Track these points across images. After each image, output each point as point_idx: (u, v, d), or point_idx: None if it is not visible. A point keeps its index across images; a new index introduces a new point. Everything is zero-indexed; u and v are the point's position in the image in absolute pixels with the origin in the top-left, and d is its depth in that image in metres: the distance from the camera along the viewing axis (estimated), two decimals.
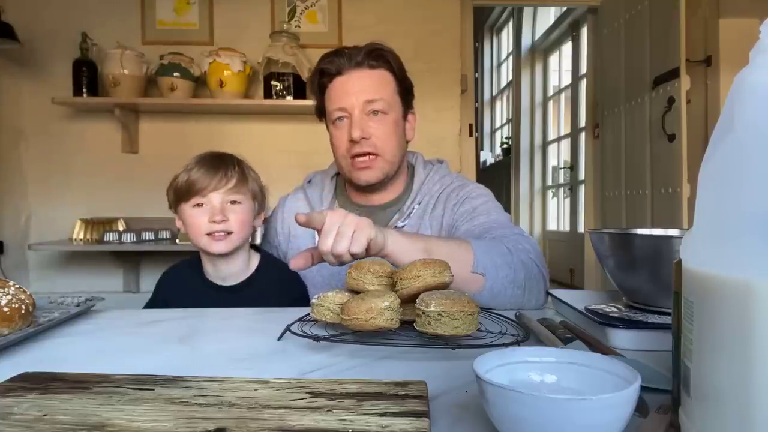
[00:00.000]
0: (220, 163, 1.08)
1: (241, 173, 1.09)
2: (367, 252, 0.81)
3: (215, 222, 1.05)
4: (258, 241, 1.49)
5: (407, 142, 1.19)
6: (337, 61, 1.11)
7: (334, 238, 0.78)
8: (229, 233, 1.06)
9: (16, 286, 0.76)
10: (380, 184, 1.14)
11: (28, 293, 0.76)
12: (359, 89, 1.09)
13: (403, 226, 1.13)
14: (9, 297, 0.73)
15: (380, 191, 1.18)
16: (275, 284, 1.11)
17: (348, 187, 1.22)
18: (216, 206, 1.06)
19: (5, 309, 0.71)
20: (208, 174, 1.06)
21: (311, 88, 1.18)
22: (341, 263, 0.80)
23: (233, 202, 1.07)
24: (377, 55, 1.11)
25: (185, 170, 1.09)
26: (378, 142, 1.10)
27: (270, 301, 1.00)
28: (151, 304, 1.15)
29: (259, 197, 1.14)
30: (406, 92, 1.17)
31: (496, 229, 1.01)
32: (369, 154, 1.09)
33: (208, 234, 1.06)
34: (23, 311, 0.73)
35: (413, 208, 1.14)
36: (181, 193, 1.09)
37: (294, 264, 0.83)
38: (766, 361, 0.30)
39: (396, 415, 0.43)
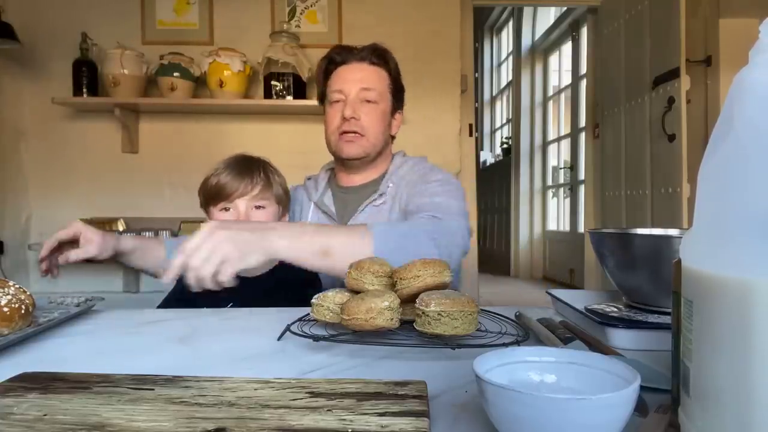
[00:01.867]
0: (247, 169, 1.14)
1: (266, 179, 1.15)
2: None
3: None
4: None
5: (392, 136, 1.35)
6: (344, 53, 1.28)
7: (200, 261, 0.79)
8: None
9: (16, 286, 0.76)
10: (362, 163, 1.28)
11: (27, 293, 0.76)
12: (357, 78, 1.25)
13: (380, 204, 1.25)
14: (9, 297, 0.73)
15: (362, 171, 1.31)
16: (293, 283, 1.12)
17: (336, 170, 1.36)
18: (242, 212, 1.12)
19: (5, 309, 0.71)
20: (235, 180, 1.11)
21: (318, 73, 1.34)
22: (200, 286, 0.81)
23: (258, 207, 1.14)
24: (379, 55, 1.28)
25: (214, 174, 1.14)
26: (365, 124, 1.24)
27: (287, 297, 1.01)
28: (175, 294, 1.17)
29: (284, 200, 1.21)
30: (397, 92, 1.32)
31: (429, 211, 1.10)
32: (355, 132, 1.23)
33: None
34: (23, 311, 0.73)
35: (388, 186, 1.26)
36: (209, 197, 1.14)
37: (166, 280, 0.83)
38: (765, 360, 0.30)
39: (396, 414, 0.43)
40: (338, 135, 1.25)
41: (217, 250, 0.81)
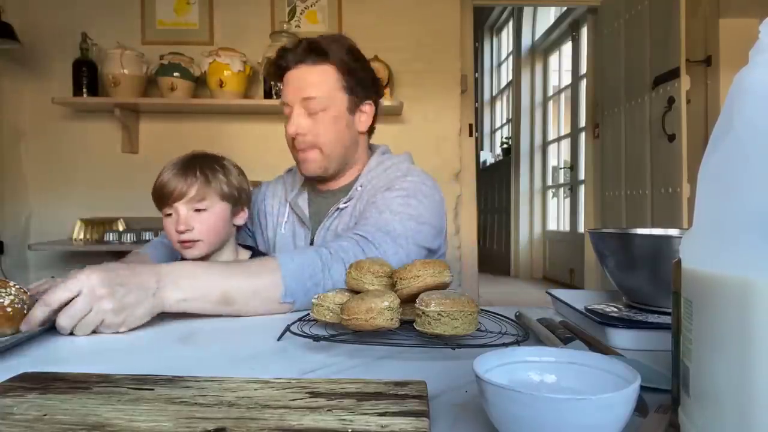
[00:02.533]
0: (183, 171, 1.10)
1: (204, 179, 1.10)
2: None
3: (180, 231, 1.08)
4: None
5: (362, 133, 1.21)
6: (285, 56, 1.15)
7: (77, 324, 0.73)
8: (197, 241, 1.09)
9: (17, 286, 0.76)
10: (326, 176, 1.19)
11: (28, 294, 0.76)
12: (297, 86, 1.13)
13: (344, 207, 1.16)
14: (11, 297, 0.73)
15: (334, 179, 1.22)
16: None
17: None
18: (181, 216, 1.09)
19: (8, 309, 0.71)
20: (170, 183, 1.09)
21: (274, 81, 1.24)
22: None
23: (198, 210, 1.10)
24: (317, 50, 1.12)
25: (158, 176, 1.11)
26: (313, 138, 1.13)
27: None
28: None
29: (235, 196, 1.14)
30: (356, 85, 1.15)
31: (369, 229, 1.01)
32: (306, 149, 1.14)
33: (178, 242, 1.10)
34: (25, 312, 0.73)
35: (356, 189, 1.17)
36: (156, 201, 1.13)
37: (23, 329, 0.73)
38: (765, 360, 0.30)
39: (396, 414, 0.43)
40: (295, 153, 1.17)
41: (97, 313, 0.73)
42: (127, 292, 0.76)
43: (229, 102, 2.80)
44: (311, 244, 1.19)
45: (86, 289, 0.73)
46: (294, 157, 1.19)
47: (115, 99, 2.76)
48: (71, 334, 0.75)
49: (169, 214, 1.11)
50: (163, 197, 1.09)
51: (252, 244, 1.32)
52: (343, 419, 0.42)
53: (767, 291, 0.30)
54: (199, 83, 2.85)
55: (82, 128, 2.97)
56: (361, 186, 1.17)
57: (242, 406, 0.45)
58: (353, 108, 1.17)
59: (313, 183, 1.26)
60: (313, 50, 1.12)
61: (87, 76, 2.77)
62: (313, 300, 0.73)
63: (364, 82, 1.17)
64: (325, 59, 1.12)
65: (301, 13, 3.02)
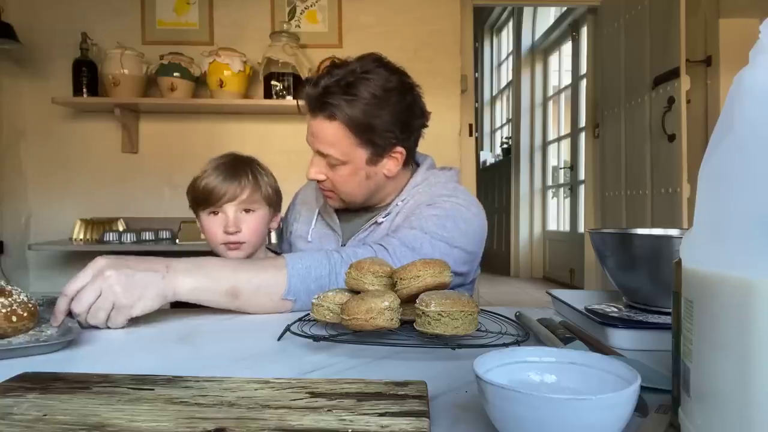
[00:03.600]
0: (235, 172, 1.10)
1: (254, 182, 1.12)
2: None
3: (229, 233, 1.09)
4: (274, 240, 1.52)
5: (389, 177, 1.11)
6: (306, 95, 1.05)
7: (90, 310, 0.75)
8: (243, 242, 1.11)
9: (17, 289, 0.76)
10: (351, 207, 1.15)
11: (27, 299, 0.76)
12: (314, 136, 1.05)
13: (381, 222, 1.11)
14: (26, 295, 0.74)
15: (367, 202, 1.16)
16: None
17: None
18: (230, 218, 1.09)
19: (30, 305, 0.73)
20: (222, 184, 1.09)
21: None
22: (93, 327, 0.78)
23: (247, 211, 1.11)
24: (324, 106, 1.01)
25: (202, 176, 1.11)
26: (331, 186, 1.09)
27: None
28: None
29: (274, 201, 1.17)
30: (378, 136, 1.03)
31: (395, 242, 0.98)
32: (327, 191, 1.11)
33: (223, 243, 1.11)
34: (33, 309, 0.74)
35: (397, 204, 1.12)
36: (197, 200, 1.12)
37: (54, 324, 0.76)
38: (765, 361, 0.30)
39: (396, 415, 0.43)
40: (318, 185, 1.13)
41: (107, 295, 0.75)
42: (136, 273, 0.78)
43: (229, 102, 2.80)
44: None
45: (96, 273, 0.76)
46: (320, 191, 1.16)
47: (115, 99, 2.76)
48: (93, 327, 0.77)
49: (214, 213, 1.11)
50: (212, 198, 1.09)
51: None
52: (343, 419, 0.42)
53: (767, 291, 0.30)
54: (199, 83, 2.85)
55: (82, 128, 2.97)
56: (402, 201, 1.12)
57: (242, 406, 0.45)
58: (376, 159, 1.06)
59: None
60: (323, 104, 1.01)
61: (87, 76, 2.77)
62: (313, 300, 0.73)
63: (390, 130, 1.03)
64: (331, 117, 1.01)
65: (301, 13, 3.02)
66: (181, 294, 0.82)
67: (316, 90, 1.02)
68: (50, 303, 0.81)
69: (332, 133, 1.02)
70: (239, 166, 1.12)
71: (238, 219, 1.10)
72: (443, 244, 1.00)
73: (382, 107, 1.02)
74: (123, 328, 0.79)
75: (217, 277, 0.84)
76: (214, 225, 1.11)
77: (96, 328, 0.78)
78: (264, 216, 1.14)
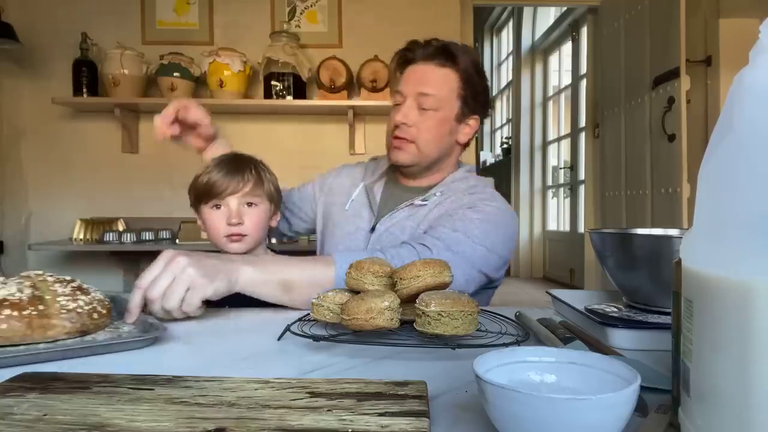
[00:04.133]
0: (238, 166, 1.13)
1: (257, 176, 1.14)
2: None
3: (232, 224, 1.10)
4: (274, 240, 1.54)
5: (459, 144, 1.23)
6: (412, 50, 1.18)
7: (165, 293, 0.77)
8: (245, 235, 1.11)
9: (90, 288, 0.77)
10: (413, 170, 1.20)
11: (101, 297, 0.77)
12: (417, 81, 1.15)
13: (419, 206, 1.16)
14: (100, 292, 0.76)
15: (416, 178, 1.23)
16: None
17: (394, 169, 1.29)
18: (233, 209, 1.11)
19: (105, 301, 0.75)
20: (226, 177, 1.11)
21: (390, 68, 1.26)
22: (171, 316, 0.79)
23: (249, 204, 1.13)
24: (448, 54, 1.16)
25: (205, 172, 1.13)
26: (416, 132, 1.15)
27: None
28: None
29: (275, 198, 1.19)
30: (471, 96, 1.18)
31: (435, 242, 1.01)
32: (405, 139, 1.16)
33: (225, 236, 1.12)
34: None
35: (435, 195, 1.17)
36: (200, 195, 1.14)
37: (129, 321, 0.77)
38: (765, 361, 0.30)
39: (396, 415, 0.43)
40: (391, 139, 1.19)
41: (181, 278, 0.78)
42: (206, 259, 0.82)
43: (229, 102, 2.80)
44: (372, 230, 1.19)
45: (168, 261, 0.79)
46: (387, 144, 1.21)
47: (115, 99, 2.76)
48: (166, 320, 0.78)
49: (217, 206, 1.12)
50: (214, 191, 1.11)
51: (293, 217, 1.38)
52: (343, 419, 0.42)
53: (767, 291, 0.30)
54: (199, 83, 2.86)
55: (82, 128, 2.97)
56: (441, 192, 1.17)
57: (242, 406, 0.45)
58: (461, 118, 1.19)
59: (395, 175, 1.28)
60: (444, 52, 1.15)
61: (87, 76, 2.77)
62: (313, 300, 0.73)
63: (478, 97, 1.20)
64: (452, 64, 1.15)
65: (301, 13, 3.02)
66: (241, 282, 0.85)
67: (432, 44, 1.17)
68: (111, 300, 0.82)
69: (442, 76, 1.15)
70: (242, 162, 1.14)
71: (240, 211, 1.11)
72: (483, 248, 1.04)
73: (480, 75, 1.20)
74: (198, 316, 0.81)
75: (272, 270, 0.88)
76: (216, 218, 1.12)
77: (173, 320, 0.79)
78: (266, 211, 1.16)
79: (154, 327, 0.72)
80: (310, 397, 0.47)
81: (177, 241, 2.59)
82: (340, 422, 0.42)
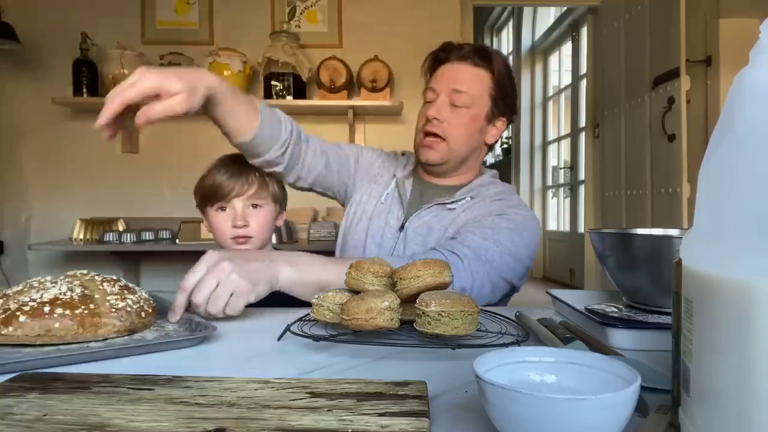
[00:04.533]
0: (243, 168, 1.14)
1: (262, 178, 1.14)
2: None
3: (237, 227, 1.10)
4: (274, 239, 1.53)
5: (487, 145, 1.25)
6: (448, 50, 1.21)
7: (209, 298, 0.78)
8: (251, 237, 1.12)
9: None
10: (441, 168, 1.21)
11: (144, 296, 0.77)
12: (452, 78, 1.17)
13: (450, 209, 1.16)
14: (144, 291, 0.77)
15: (443, 176, 1.24)
16: None
17: (418, 165, 1.29)
18: (238, 211, 1.11)
19: (151, 300, 0.76)
20: (231, 180, 1.12)
21: (423, 68, 1.28)
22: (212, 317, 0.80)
23: (255, 206, 1.13)
24: (483, 55, 1.19)
25: (210, 174, 1.14)
26: (447, 128, 1.16)
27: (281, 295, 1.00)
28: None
29: (280, 199, 1.19)
30: (501, 98, 1.21)
31: (465, 250, 1.01)
32: (437, 136, 1.16)
33: (231, 239, 1.12)
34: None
35: (465, 199, 1.17)
36: (205, 197, 1.14)
37: (172, 320, 0.78)
38: (766, 361, 0.30)
39: (396, 415, 0.43)
40: (422, 135, 1.19)
41: (226, 284, 0.79)
42: (248, 262, 0.82)
43: None
44: (402, 227, 1.18)
45: (212, 265, 0.79)
46: (417, 143, 1.21)
47: None
48: (209, 318, 0.79)
49: (222, 208, 1.13)
50: (220, 193, 1.11)
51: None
52: (343, 419, 0.42)
53: (767, 291, 0.30)
54: None
55: (82, 128, 2.97)
56: (471, 197, 1.18)
57: (242, 406, 0.45)
58: (491, 118, 1.21)
59: (422, 174, 1.27)
60: (479, 53, 1.18)
61: (87, 76, 2.77)
62: (314, 300, 0.73)
63: (508, 99, 1.23)
64: (487, 65, 1.18)
65: (301, 13, 3.02)
66: (280, 282, 0.86)
67: (468, 45, 1.21)
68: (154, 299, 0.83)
69: (475, 75, 1.18)
70: (247, 164, 1.14)
71: (246, 213, 1.12)
72: (510, 258, 1.06)
73: (510, 79, 1.23)
74: (239, 316, 0.82)
75: (311, 271, 0.89)
76: (222, 220, 1.12)
77: (214, 318, 0.80)
78: (271, 212, 1.16)
79: (202, 326, 0.73)
80: (310, 397, 0.47)
81: (177, 241, 2.59)
82: (340, 422, 0.42)
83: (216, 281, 0.78)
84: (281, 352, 0.68)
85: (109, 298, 0.70)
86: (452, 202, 1.17)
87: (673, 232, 0.82)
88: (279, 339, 0.71)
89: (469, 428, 0.44)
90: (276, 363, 0.63)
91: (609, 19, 3.13)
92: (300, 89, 2.86)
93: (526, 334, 0.66)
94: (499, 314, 0.78)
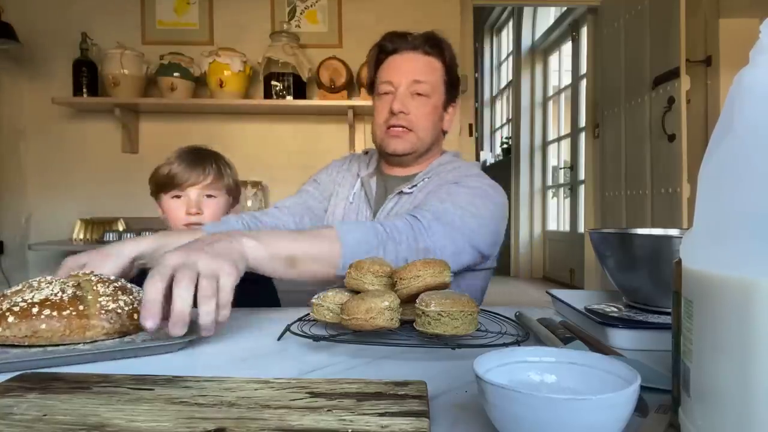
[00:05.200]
0: (199, 159, 1.20)
1: (217, 170, 1.19)
2: None
3: (191, 214, 1.15)
4: None
5: (443, 132, 1.26)
6: (396, 41, 1.20)
7: (205, 302, 0.63)
8: (203, 225, 1.13)
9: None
10: (407, 159, 1.21)
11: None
12: (409, 69, 1.17)
13: (408, 193, 1.17)
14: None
15: (407, 166, 1.23)
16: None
17: (381, 161, 1.29)
18: (192, 200, 1.16)
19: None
20: (187, 169, 1.18)
21: (368, 61, 1.26)
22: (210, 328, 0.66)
23: (209, 196, 1.18)
24: (433, 43, 1.19)
25: (167, 163, 1.19)
26: (414, 119, 1.17)
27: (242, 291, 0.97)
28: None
29: (234, 192, 1.24)
30: (452, 84, 1.22)
31: (425, 213, 0.98)
32: (403, 127, 1.16)
33: (185, 225, 1.16)
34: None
35: (423, 180, 1.17)
36: (161, 185, 1.18)
37: (147, 325, 0.62)
38: (766, 361, 0.30)
39: (396, 415, 0.43)
40: (385, 129, 1.18)
41: (204, 273, 0.65)
42: (214, 244, 0.72)
43: (229, 102, 2.80)
44: None
45: (176, 266, 0.64)
46: (381, 137, 1.20)
47: (115, 99, 2.76)
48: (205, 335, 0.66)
49: (177, 196, 1.16)
50: (175, 181, 1.15)
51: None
52: (343, 419, 0.42)
53: (767, 291, 0.30)
54: (199, 83, 2.85)
55: (82, 128, 2.97)
56: (428, 177, 1.18)
57: (242, 406, 0.45)
58: (446, 105, 1.23)
59: (384, 168, 1.27)
60: (429, 41, 1.18)
61: (87, 76, 2.77)
62: (313, 300, 0.73)
63: (456, 84, 1.24)
64: (438, 53, 1.19)
65: (301, 13, 3.02)
66: (250, 258, 0.77)
67: (418, 34, 1.19)
68: None
69: (429, 64, 1.18)
70: (204, 156, 1.22)
71: (200, 202, 1.16)
72: (473, 221, 1.02)
73: (456, 63, 1.24)
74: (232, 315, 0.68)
75: (277, 246, 0.83)
76: (176, 207, 1.16)
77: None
78: (225, 203, 1.21)
79: (195, 326, 0.66)
80: (310, 397, 0.47)
81: None
82: (340, 422, 0.42)
83: (192, 276, 0.64)
84: (281, 352, 0.68)
85: (101, 299, 0.68)
86: (411, 187, 1.17)
87: (673, 232, 0.82)
88: (279, 339, 0.71)
89: (469, 428, 0.44)
90: (276, 363, 0.63)
91: (609, 19, 3.13)
92: (300, 89, 2.86)
93: (526, 334, 0.66)
94: (499, 314, 0.78)
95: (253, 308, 0.95)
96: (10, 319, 0.63)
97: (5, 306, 0.65)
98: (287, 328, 0.70)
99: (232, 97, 2.79)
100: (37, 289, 0.68)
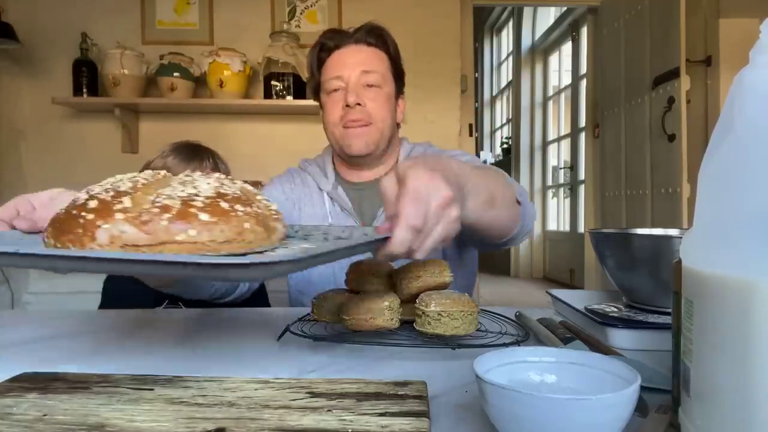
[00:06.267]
0: (195, 154, 1.14)
1: (214, 165, 1.16)
2: None
3: None
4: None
5: (398, 124, 1.20)
6: (337, 36, 1.16)
7: (417, 233, 0.53)
8: None
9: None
10: (371, 158, 1.14)
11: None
12: (356, 61, 1.13)
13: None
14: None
15: (372, 167, 1.17)
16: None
17: (338, 164, 1.20)
18: None
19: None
20: (182, 163, 1.12)
21: (309, 63, 1.19)
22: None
23: None
24: (376, 35, 1.16)
25: (161, 156, 1.14)
26: (371, 111, 1.11)
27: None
28: (109, 293, 1.16)
29: None
30: (398, 75, 1.19)
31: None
32: (361, 121, 1.10)
33: None
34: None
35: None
36: None
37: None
38: (766, 361, 0.30)
39: (396, 415, 0.43)
40: (342, 127, 1.11)
41: (435, 214, 0.54)
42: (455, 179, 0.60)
43: (229, 102, 2.80)
44: None
45: (427, 183, 0.54)
46: (340, 137, 1.11)
47: (115, 99, 2.76)
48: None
49: None
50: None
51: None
52: (343, 419, 0.42)
53: (767, 291, 0.30)
54: (199, 83, 2.85)
55: (82, 128, 2.97)
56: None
57: (242, 406, 0.45)
58: (396, 96, 1.19)
59: (346, 174, 1.19)
60: (371, 33, 1.16)
61: (87, 76, 2.77)
62: (313, 300, 0.73)
63: (403, 76, 1.22)
64: (382, 44, 1.17)
65: (301, 13, 3.01)
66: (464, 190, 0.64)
67: (358, 27, 1.16)
68: None
69: (375, 55, 1.15)
70: (200, 151, 1.17)
71: None
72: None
73: (399, 56, 1.21)
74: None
75: (481, 183, 0.69)
76: None
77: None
78: None
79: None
80: (310, 397, 0.47)
81: None
82: (340, 422, 0.42)
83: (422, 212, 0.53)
84: (281, 352, 0.68)
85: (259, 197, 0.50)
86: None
87: (673, 232, 0.82)
88: (279, 339, 0.71)
89: (469, 428, 0.44)
90: (276, 363, 0.63)
91: (609, 19, 3.13)
92: (300, 89, 2.86)
93: (526, 334, 0.66)
94: (499, 314, 0.78)
95: (253, 308, 0.95)
96: (203, 216, 0.42)
97: (164, 200, 0.42)
98: (287, 328, 0.70)
99: (232, 97, 2.79)
100: (181, 184, 0.46)
